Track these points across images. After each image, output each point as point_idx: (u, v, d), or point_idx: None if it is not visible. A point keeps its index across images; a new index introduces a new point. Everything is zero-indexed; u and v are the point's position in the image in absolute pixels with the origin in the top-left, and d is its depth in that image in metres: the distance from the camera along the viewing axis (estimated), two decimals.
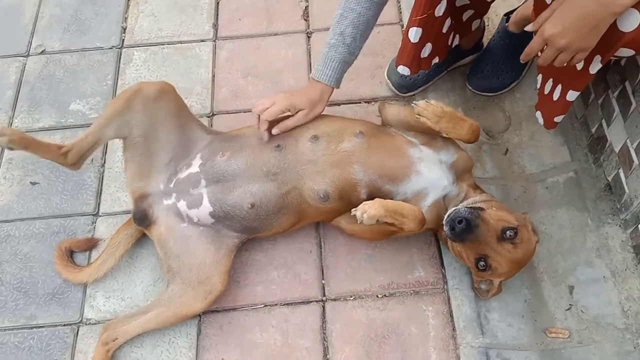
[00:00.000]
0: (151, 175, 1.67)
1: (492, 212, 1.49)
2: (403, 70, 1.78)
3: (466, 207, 1.50)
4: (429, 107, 1.56)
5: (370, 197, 1.57)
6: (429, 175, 1.59)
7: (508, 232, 1.46)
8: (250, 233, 1.69)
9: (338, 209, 1.65)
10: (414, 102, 1.58)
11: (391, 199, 1.58)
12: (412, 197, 1.60)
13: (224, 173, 1.60)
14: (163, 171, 1.67)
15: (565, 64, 1.36)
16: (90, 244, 1.78)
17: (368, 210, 1.47)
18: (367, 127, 1.65)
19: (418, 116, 1.57)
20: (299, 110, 1.63)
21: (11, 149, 1.58)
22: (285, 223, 1.67)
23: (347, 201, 1.62)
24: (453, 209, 1.52)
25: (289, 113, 1.62)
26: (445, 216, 1.52)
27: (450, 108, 1.57)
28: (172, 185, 1.65)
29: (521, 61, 1.50)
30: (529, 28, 1.41)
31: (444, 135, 1.60)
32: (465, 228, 1.43)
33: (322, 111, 1.68)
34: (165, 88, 1.66)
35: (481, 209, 1.50)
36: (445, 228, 1.50)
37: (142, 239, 1.77)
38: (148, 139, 1.64)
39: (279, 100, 1.62)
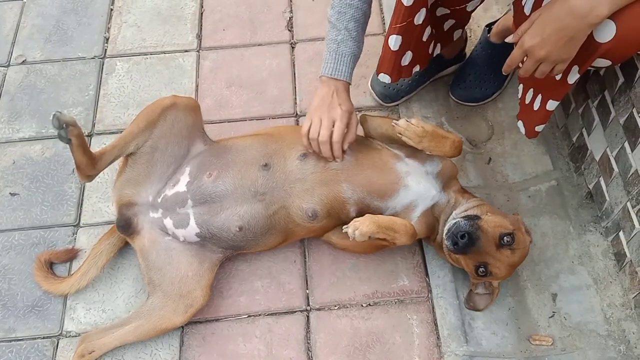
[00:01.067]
0: (144, 185, 1.65)
1: (488, 220, 1.51)
2: (384, 78, 1.79)
3: (464, 219, 1.51)
4: (410, 128, 1.55)
5: (359, 214, 1.58)
6: (417, 188, 1.60)
7: (506, 238, 1.49)
8: (235, 250, 1.68)
9: (326, 227, 1.65)
10: (394, 121, 1.58)
11: (381, 214, 1.59)
12: (402, 210, 1.60)
13: (211, 194, 1.59)
14: (155, 183, 1.65)
15: (545, 75, 1.38)
16: (70, 255, 1.76)
17: (360, 228, 1.47)
18: (354, 143, 1.64)
19: (400, 135, 1.57)
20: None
21: (70, 142, 1.51)
22: (272, 242, 1.67)
23: (335, 219, 1.62)
24: (453, 221, 1.53)
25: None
26: (445, 230, 1.54)
27: (431, 126, 1.57)
28: (159, 200, 1.64)
29: (503, 72, 1.51)
30: (509, 39, 1.43)
31: (427, 153, 1.60)
32: (468, 242, 1.46)
33: (352, 107, 1.64)
34: (195, 105, 1.69)
35: (478, 217, 1.52)
36: (447, 242, 1.52)
37: (123, 250, 1.75)
38: (156, 150, 1.63)
39: (326, 119, 1.57)
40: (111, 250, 1.72)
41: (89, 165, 1.58)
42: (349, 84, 1.65)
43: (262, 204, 1.58)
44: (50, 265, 1.72)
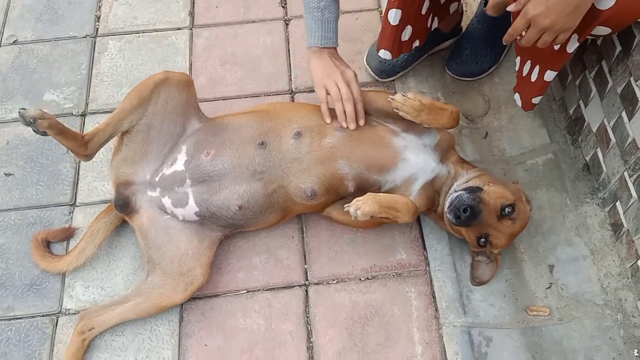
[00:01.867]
0: (141, 163, 1.64)
1: (490, 191, 1.52)
2: (384, 54, 1.78)
3: (466, 192, 1.51)
4: (407, 102, 1.54)
5: (359, 189, 1.58)
6: (416, 161, 1.60)
7: (507, 209, 1.51)
8: (235, 228, 1.67)
9: (325, 203, 1.65)
10: (390, 97, 1.56)
11: (379, 188, 1.59)
12: (402, 184, 1.60)
13: (210, 173, 1.58)
14: (152, 162, 1.64)
15: (547, 45, 1.37)
16: (67, 234, 1.75)
17: (362, 207, 1.46)
18: None
19: (396, 110, 1.56)
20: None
21: (45, 134, 1.51)
22: (271, 220, 1.67)
23: (334, 194, 1.62)
24: (455, 194, 1.53)
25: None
26: (447, 203, 1.54)
27: (428, 99, 1.56)
28: (157, 179, 1.63)
29: (504, 42, 1.49)
30: (510, 8, 1.41)
31: (425, 126, 1.59)
32: (470, 215, 1.47)
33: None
34: (188, 80, 1.67)
35: (480, 189, 1.52)
36: (449, 216, 1.52)
37: (121, 228, 1.75)
38: (151, 128, 1.61)
39: (341, 80, 1.60)
40: (108, 228, 1.71)
41: (79, 146, 1.58)
42: (336, 48, 1.68)
43: (260, 182, 1.58)
44: (47, 244, 1.72)
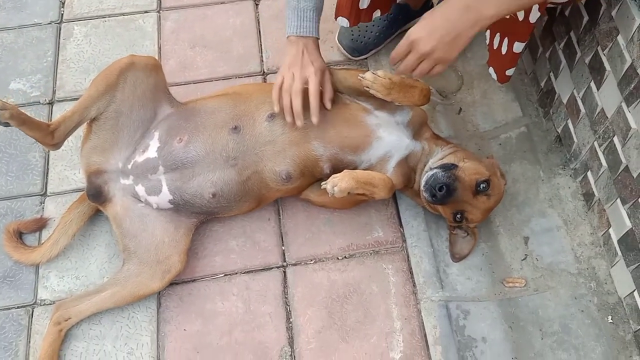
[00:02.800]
0: (112, 151, 1.60)
1: (465, 167, 1.53)
2: (342, 21, 1.76)
3: (441, 170, 1.51)
4: (377, 80, 1.51)
5: (334, 170, 1.57)
6: (390, 139, 1.59)
7: (482, 185, 1.52)
8: (210, 215, 1.66)
9: (301, 186, 1.64)
10: (360, 75, 1.54)
11: (355, 168, 1.58)
12: (377, 162, 1.60)
13: (183, 160, 1.56)
14: (124, 149, 1.61)
15: (423, 76, 1.41)
16: (39, 224, 1.72)
17: (339, 184, 1.45)
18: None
19: (367, 89, 1.53)
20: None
21: (7, 124, 1.47)
22: (246, 208, 1.66)
23: (310, 177, 1.61)
24: (430, 172, 1.53)
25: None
26: (423, 182, 1.55)
27: (398, 77, 1.54)
28: (129, 167, 1.60)
29: (390, 63, 1.48)
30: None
31: (397, 104, 1.58)
32: (446, 193, 1.48)
33: (324, 64, 1.59)
34: (156, 64, 1.62)
35: (455, 166, 1.53)
36: (425, 194, 1.53)
37: (93, 217, 1.72)
38: (120, 114, 1.58)
39: (298, 74, 1.53)
40: (81, 218, 1.68)
41: (45, 136, 1.54)
42: (318, 39, 1.60)
43: (234, 169, 1.56)
44: (19, 235, 1.68)
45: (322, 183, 1.51)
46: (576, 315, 1.58)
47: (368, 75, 1.53)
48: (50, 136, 1.55)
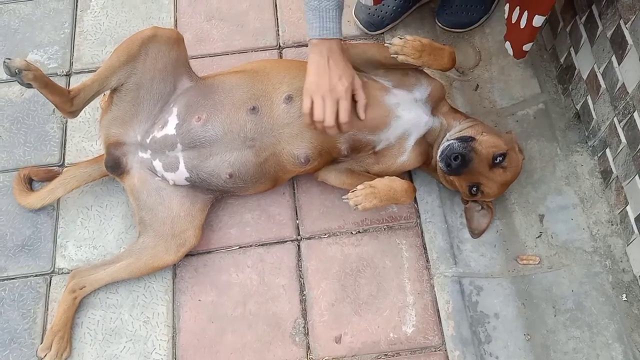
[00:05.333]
0: (132, 124, 1.61)
1: (482, 140, 1.52)
2: (366, 1, 1.74)
3: (458, 140, 1.50)
4: (407, 44, 1.49)
5: (352, 150, 1.57)
6: (409, 117, 1.58)
7: (499, 158, 1.51)
8: (225, 193, 1.67)
9: (318, 166, 1.64)
10: (387, 42, 1.51)
11: (374, 147, 1.58)
12: (396, 141, 1.59)
13: (201, 139, 1.56)
14: (143, 122, 1.61)
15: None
16: (50, 175, 1.75)
17: (362, 203, 1.48)
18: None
19: (395, 55, 1.50)
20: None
21: (30, 86, 1.49)
22: (262, 188, 1.66)
23: (327, 158, 1.61)
24: (447, 143, 1.52)
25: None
26: (439, 152, 1.54)
27: (427, 39, 1.52)
28: (148, 141, 1.61)
29: None
30: None
31: (425, 69, 1.55)
32: (461, 163, 1.47)
33: (352, 72, 1.52)
34: (178, 37, 1.61)
35: (472, 138, 1.52)
36: (441, 164, 1.52)
37: (111, 187, 1.74)
38: (141, 87, 1.58)
39: (329, 99, 1.47)
40: (84, 178, 1.68)
41: (65, 102, 1.55)
42: (341, 40, 1.51)
43: (252, 150, 1.55)
44: (29, 182, 1.73)
45: (343, 198, 1.53)
46: (590, 293, 1.58)
47: (396, 40, 1.50)
48: (70, 103, 1.55)
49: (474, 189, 1.55)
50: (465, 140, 1.51)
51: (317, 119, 1.48)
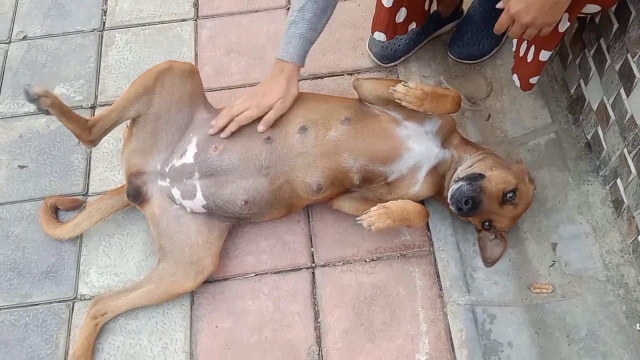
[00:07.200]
0: (151, 153, 1.67)
1: (491, 177, 1.54)
2: (379, 36, 1.79)
3: (467, 183, 1.53)
4: (409, 92, 1.54)
5: (364, 181, 1.61)
6: (420, 149, 1.62)
7: (509, 194, 1.54)
8: (242, 220, 1.72)
9: (331, 195, 1.68)
10: (391, 88, 1.56)
11: (386, 178, 1.62)
12: (408, 172, 1.63)
13: (217, 168, 1.61)
14: (162, 151, 1.67)
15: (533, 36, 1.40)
16: (75, 204, 1.82)
17: (376, 224, 1.52)
18: (352, 111, 1.65)
19: (399, 101, 1.56)
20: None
21: (48, 112, 1.54)
22: (277, 214, 1.70)
23: (340, 187, 1.65)
24: (455, 186, 1.55)
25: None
26: (449, 195, 1.57)
27: (429, 87, 1.56)
28: (167, 169, 1.66)
29: (495, 33, 1.50)
30: (499, 5, 1.43)
31: (429, 114, 1.60)
32: (471, 207, 1.51)
33: (297, 93, 1.67)
34: (193, 69, 1.69)
35: (482, 176, 1.54)
36: (452, 207, 1.56)
37: (131, 216, 1.80)
38: (159, 118, 1.64)
39: (254, 106, 1.63)
40: (108, 210, 1.74)
41: (83, 131, 1.61)
42: (299, 66, 1.67)
43: (266, 178, 1.60)
44: (55, 211, 1.79)
45: (357, 219, 1.57)
46: (604, 322, 1.58)
47: (399, 87, 1.55)
48: (88, 132, 1.61)
49: (486, 224, 1.59)
50: (475, 179, 1.54)
51: (229, 112, 1.64)
